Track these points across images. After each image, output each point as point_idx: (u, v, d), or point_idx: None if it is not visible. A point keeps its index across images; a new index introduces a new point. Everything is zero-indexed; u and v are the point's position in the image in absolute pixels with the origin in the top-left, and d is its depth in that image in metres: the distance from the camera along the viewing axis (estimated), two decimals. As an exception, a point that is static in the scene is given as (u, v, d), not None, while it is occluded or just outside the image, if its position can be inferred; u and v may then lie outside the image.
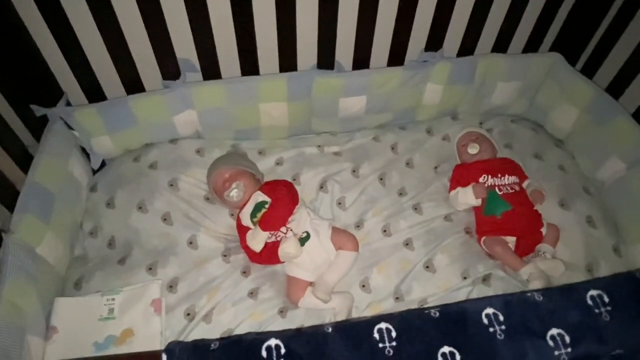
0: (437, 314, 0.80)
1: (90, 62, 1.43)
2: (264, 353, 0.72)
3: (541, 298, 0.83)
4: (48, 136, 1.40)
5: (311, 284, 1.35)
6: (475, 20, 1.58)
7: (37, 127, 1.42)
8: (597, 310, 0.80)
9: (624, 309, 0.80)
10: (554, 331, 0.78)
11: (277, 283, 1.37)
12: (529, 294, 0.84)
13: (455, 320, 0.79)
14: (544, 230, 1.43)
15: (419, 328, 0.78)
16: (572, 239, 1.46)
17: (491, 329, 0.78)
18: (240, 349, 0.73)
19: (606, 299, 0.81)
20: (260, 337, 0.74)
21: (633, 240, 1.42)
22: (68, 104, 1.49)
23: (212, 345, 0.73)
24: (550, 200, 1.52)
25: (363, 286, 1.37)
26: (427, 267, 1.40)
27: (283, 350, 0.73)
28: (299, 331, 0.78)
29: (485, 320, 0.79)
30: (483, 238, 1.45)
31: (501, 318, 0.79)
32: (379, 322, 0.78)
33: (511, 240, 1.43)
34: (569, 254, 1.43)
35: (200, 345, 0.75)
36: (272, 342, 0.74)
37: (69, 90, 1.48)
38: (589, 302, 0.81)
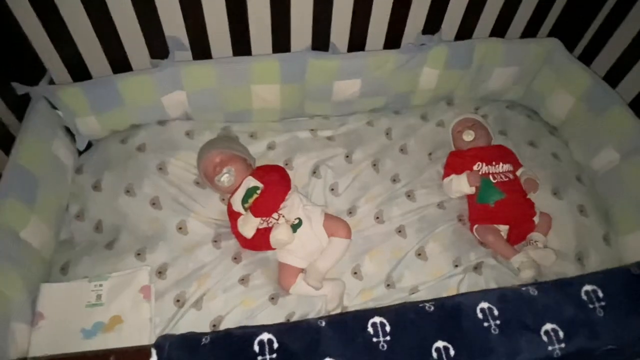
0: (432, 308, 0.79)
1: (74, 39, 1.36)
2: (256, 348, 0.71)
3: (536, 292, 0.82)
4: (31, 116, 1.34)
5: (303, 270, 1.34)
6: (475, 4, 1.54)
7: (19, 106, 1.37)
8: (591, 306, 0.80)
9: (617, 305, 0.80)
10: (548, 326, 0.78)
11: (269, 270, 1.35)
12: (524, 289, 0.83)
13: (450, 315, 0.79)
14: (536, 219, 1.43)
15: (413, 322, 0.77)
16: (564, 227, 1.46)
17: (486, 324, 0.78)
18: (231, 343, 0.72)
19: (600, 294, 0.81)
20: (252, 331, 0.73)
21: (624, 231, 1.43)
22: (51, 82, 1.43)
23: (203, 339, 0.72)
24: (543, 189, 1.52)
25: (355, 273, 1.37)
26: (419, 254, 1.40)
27: (275, 345, 0.71)
28: (291, 325, 0.76)
29: (480, 315, 0.79)
30: (475, 226, 1.44)
31: (496, 313, 0.79)
32: (373, 316, 0.77)
33: (503, 228, 1.43)
34: (559, 242, 1.44)
35: (191, 339, 0.73)
36: (265, 336, 0.72)
37: (52, 67, 1.42)
38: (584, 297, 0.81)
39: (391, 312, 0.78)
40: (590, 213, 1.49)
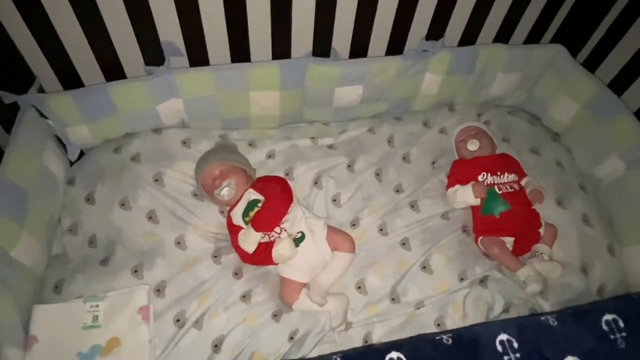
0: (450, 340, 0.76)
1: (64, 44, 1.30)
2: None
3: (555, 323, 0.80)
4: (19, 126, 1.28)
5: (306, 285, 1.31)
6: (479, 9, 1.50)
7: (7, 115, 1.30)
8: (612, 337, 0.78)
9: (639, 335, 0.78)
10: (569, 359, 0.75)
11: (271, 284, 1.32)
12: (542, 318, 0.81)
13: (469, 348, 0.76)
14: (542, 230, 1.41)
15: (431, 357, 0.74)
16: (568, 238, 1.45)
17: (506, 357, 0.75)
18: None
19: (621, 324, 0.79)
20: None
21: (629, 241, 1.42)
22: (41, 90, 1.37)
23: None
24: (547, 198, 1.50)
25: (359, 287, 1.34)
26: (424, 267, 1.37)
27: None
28: (305, 362, 0.73)
29: (500, 348, 0.76)
30: (480, 238, 1.42)
31: (515, 345, 0.76)
32: (389, 352, 0.73)
33: (509, 240, 1.41)
34: (563, 253, 1.43)
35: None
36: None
37: (41, 75, 1.35)
38: (604, 327, 0.79)
39: (408, 346, 0.75)
40: (595, 223, 1.48)
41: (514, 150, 1.64)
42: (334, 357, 0.72)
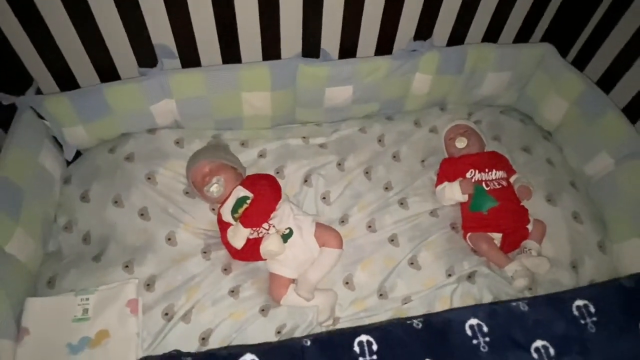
0: (420, 325, 0.78)
1: (60, 47, 1.35)
2: (238, 369, 0.69)
3: (527, 308, 0.80)
4: (17, 126, 1.32)
5: (294, 281, 1.32)
6: (466, 9, 1.52)
7: (5, 116, 1.34)
8: (582, 321, 0.78)
9: (609, 320, 0.79)
10: (538, 343, 0.76)
11: (259, 280, 1.34)
12: (514, 304, 0.81)
13: (438, 332, 0.77)
14: (530, 226, 1.42)
15: (401, 340, 0.75)
16: (558, 234, 1.45)
17: (475, 341, 0.76)
18: (214, 366, 0.70)
19: (592, 309, 0.79)
20: (235, 352, 0.71)
21: (619, 238, 1.41)
22: (38, 91, 1.41)
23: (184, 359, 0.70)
24: (537, 195, 1.51)
25: (347, 283, 1.35)
26: (412, 263, 1.38)
27: (259, 366, 0.69)
28: (276, 345, 0.74)
29: (469, 332, 0.77)
30: (469, 234, 1.43)
31: (485, 329, 0.77)
32: (359, 335, 0.75)
33: (497, 236, 1.41)
34: (553, 249, 1.42)
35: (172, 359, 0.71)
36: (248, 357, 0.70)
37: (38, 77, 1.40)
38: (575, 312, 0.79)
39: (378, 330, 0.76)
40: (585, 220, 1.47)
41: (505, 149, 1.65)
42: (304, 340, 0.73)
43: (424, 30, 1.55)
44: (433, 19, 1.53)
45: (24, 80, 1.38)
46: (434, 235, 1.43)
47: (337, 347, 0.73)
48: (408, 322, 0.77)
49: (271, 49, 1.49)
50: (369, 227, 1.45)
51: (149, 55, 1.42)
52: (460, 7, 1.51)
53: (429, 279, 1.35)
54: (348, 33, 1.51)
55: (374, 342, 0.74)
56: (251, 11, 1.37)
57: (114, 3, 1.27)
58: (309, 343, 0.73)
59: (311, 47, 1.52)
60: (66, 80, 1.43)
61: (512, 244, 1.42)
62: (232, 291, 1.29)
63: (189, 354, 0.71)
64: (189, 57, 1.46)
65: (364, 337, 0.74)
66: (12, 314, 1.14)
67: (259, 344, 0.73)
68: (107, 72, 1.44)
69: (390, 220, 1.46)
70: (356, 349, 0.73)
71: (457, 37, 1.61)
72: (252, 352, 0.70)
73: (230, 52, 1.48)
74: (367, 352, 0.73)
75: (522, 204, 1.45)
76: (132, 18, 1.32)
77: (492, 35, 1.64)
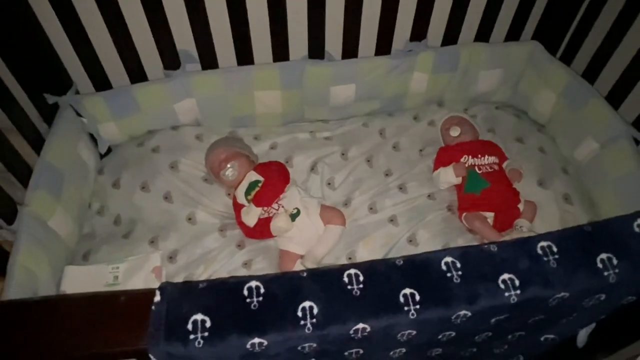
0: (401, 262, 0.89)
1: (98, 54, 1.54)
2: (245, 292, 0.82)
3: (496, 249, 0.91)
4: (59, 122, 1.50)
5: (301, 257, 1.45)
6: (457, 10, 1.67)
7: (49, 114, 1.54)
8: (545, 259, 0.89)
9: (570, 258, 0.89)
10: (505, 276, 0.87)
11: (270, 256, 1.47)
12: (485, 247, 0.93)
13: (417, 267, 0.88)
14: (521, 206, 1.52)
15: (384, 273, 0.87)
16: (549, 215, 1.54)
17: (449, 274, 0.87)
18: (224, 288, 0.83)
19: (555, 249, 0.90)
20: (243, 279, 0.84)
21: (606, 215, 1.50)
22: (77, 92, 1.60)
23: (200, 284, 0.83)
24: (529, 180, 1.61)
25: (349, 258, 1.47)
26: (410, 240, 1.49)
27: (262, 290, 0.83)
28: (277, 274, 0.88)
29: (444, 267, 0.88)
30: (464, 214, 1.53)
31: (458, 265, 0.88)
32: (348, 269, 0.87)
33: (490, 215, 1.51)
34: (545, 229, 1.50)
35: (190, 284, 0.85)
36: (253, 283, 0.83)
37: (78, 80, 1.59)
38: (539, 251, 0.90)
39: (364, 266, 0.89)
40: (575, 201, 1.56)
41: (499, 139, 1.75)
42: (302, 272, 0.86)
43: (418, 32, 1.70)
44: (426, 21, 1.68)
45: (65, 82, 1.57)
46: (431, 216, 1.54)
47: (330, 278, 0.85)
48: (390, 261, 0.89)
49: (280, 52, 1.66)
50: (370, 208, 1.57)
51: (173, 59, 1.61)
52: (451, 8, 1.65)
53: (426, 254, 1.46)
54: (349, 36, 1.67)
55: (360, 274, 0.86)
56: (262, 18, 1.55)
57: (144, 13, 1.46)
58: (305, 274, 0.86)
59: (316, 50, 1.68)
60: (101, 82, 1.62)
61: (504, 222, 1.51)
62: (245, 264, 1.43)
63: (203, 281, 0.85)
64: (208, 60, 1.65)
65: (352, 271, 0.86)
66: (53, 279, 1.30)
67: (264, 274, 0.86)
68: (137, 74, 1.63)
69: (390, 202, 1.58)
70: (345, 279, 0.85)
71: (450, 37, 1.76)
72: (257, 280, 0.83)
73: (244, 55, 1.65)
74: (354, 281, 0.85)
75: (513, 186, 1.56)
76: (160, 28, 1.51)
77: (483, 35, 1.78)
